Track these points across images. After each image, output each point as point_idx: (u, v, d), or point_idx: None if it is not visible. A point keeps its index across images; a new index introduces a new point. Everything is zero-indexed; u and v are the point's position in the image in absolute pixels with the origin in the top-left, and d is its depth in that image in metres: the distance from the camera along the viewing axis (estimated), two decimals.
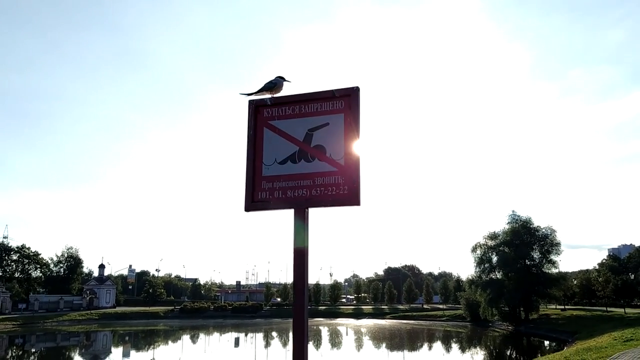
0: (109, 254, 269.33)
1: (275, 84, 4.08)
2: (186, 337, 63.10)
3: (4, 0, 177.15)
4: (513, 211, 67.31)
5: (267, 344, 56.15)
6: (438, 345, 54.62)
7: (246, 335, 67.16)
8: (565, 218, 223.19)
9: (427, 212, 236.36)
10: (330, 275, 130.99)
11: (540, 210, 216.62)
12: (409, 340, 59.33)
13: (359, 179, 3.55)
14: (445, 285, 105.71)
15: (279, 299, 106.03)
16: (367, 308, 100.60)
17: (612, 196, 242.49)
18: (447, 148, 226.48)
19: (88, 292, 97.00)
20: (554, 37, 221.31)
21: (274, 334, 66.20)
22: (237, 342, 58.35)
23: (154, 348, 53.07)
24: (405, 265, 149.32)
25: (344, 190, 3.57)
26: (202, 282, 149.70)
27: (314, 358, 40.79)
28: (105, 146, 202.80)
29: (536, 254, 63.96)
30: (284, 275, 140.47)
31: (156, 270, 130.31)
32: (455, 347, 52.96)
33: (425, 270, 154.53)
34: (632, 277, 75.29)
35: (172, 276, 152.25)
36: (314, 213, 3.71)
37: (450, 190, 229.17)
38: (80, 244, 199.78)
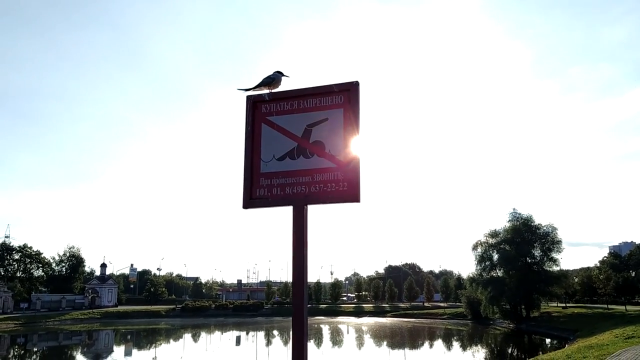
0: (111, 253, 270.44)
1: (273, 79, 4.03)
2: (188, 336, 63.11)
3: (6, 2, 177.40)
4: (514, 209, 67.35)
5: (268, 342, 56.15)
6: (439, 343, 54.59)
7: (247, 333, 67.15)
8: (566, 216, 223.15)
9: (428, 209, 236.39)
10: (331, 273, 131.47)
11: (541, 208, 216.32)
12: (410, 339, 59.29)
13: (358, 175, 3.50)
14: (446, 283, 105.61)
15: (278, 298, 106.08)
16: (367, 306, 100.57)
17: (613, 194, 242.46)
18: (448, 145, 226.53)
19: (90, 291, 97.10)
20: (554, 34, 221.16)
21: (275, 332, 66.21)
22: (238, 341, 58.32)
23: (155, 347, 53.08)
24: (406, 263, 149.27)
25: (343, 187, 3.52)
26: (203, 281, 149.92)
27: (314, 356, 40.77)
28: (105, 145, 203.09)
29: (537, 252, 63.88)
30: (285, 273, 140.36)
31: (157, 269, 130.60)
32: (456, 345, 52.91)
33: (426, 268, 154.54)
34: (633, 274, 75.16)
35: (174, 275, 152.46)
36: (313, 210, 3.68)
37: (450, 187, 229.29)
38: (82, 243, 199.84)
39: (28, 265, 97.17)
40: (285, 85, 4.04)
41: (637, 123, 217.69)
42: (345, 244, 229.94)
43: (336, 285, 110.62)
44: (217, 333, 68.38)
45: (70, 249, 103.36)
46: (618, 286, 67.39)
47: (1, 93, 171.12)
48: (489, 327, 66.62)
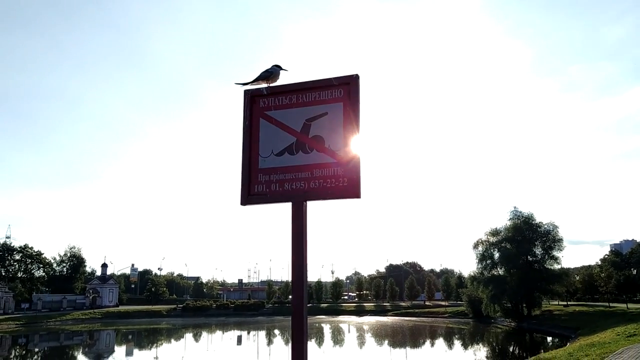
0: (112, 253, 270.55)
1: (271, 73, 3.94)
2: (189, 336, 63.06)
3: (4, 1, 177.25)
4: (515, 207, 67.12)
5: (270, 342, 56.10)
6: (441, 342, 54.54)
7: (248, 333, 67.11)
8: (567, 214, 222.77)
9: (428, 208, 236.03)
10: (332, 272, 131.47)
11: (541, 206, 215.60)
12: (412, 338, 59.22)
13: (359, 171, 3.42)
14: (447, 282, 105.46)
15: (279, 297, 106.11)
16: (369, 305, 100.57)
17: (614, 192, 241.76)
18: (448, 144, 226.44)
19: (91, 291, 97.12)
20: (554, 33, 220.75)
21: (276, 331, 66.16)
22: (239, 340, 58.28)
23: (156, 347, 53.04)
24: (407, 262, 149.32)
25: (343, 183, 3.45)
26: (204, 281, 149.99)
27: (315, 356, 40.70)
28: (106, 145, 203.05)
29: (538, 250, 63.75)
30: (286, 273, 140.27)
31: (158, 269, 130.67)
32: (457, 343, 52.84)
33: (427, 267, 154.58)
34: (635, 272, 75.21)
35: (175, 275, 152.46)
36: (313, 207, 3.60)
37: (451, 186, 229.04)
38: (83, 243, 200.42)
39: (29, 266, 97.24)
40: (283, 80, 3.96)
41: (638, 121, 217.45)
42: (346, 242, 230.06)
43: (337, 284, 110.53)
44: (218, 333, 68.35)
45: (71, 249, 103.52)
46: (619, 284, 67.35)
47: (1, 93, 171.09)
48: (490, 325, 66.54)
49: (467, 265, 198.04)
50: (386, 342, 53.86)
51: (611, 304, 64.61)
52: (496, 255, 66.28)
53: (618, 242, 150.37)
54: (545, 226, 63.66)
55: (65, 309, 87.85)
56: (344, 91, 3.62)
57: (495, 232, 67.21)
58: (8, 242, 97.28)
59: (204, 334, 66.09)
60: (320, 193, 3.49)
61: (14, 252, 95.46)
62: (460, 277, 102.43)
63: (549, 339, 51.16)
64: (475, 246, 68.26)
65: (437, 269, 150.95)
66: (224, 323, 78.94)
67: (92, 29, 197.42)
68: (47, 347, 55.27)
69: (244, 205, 3.67)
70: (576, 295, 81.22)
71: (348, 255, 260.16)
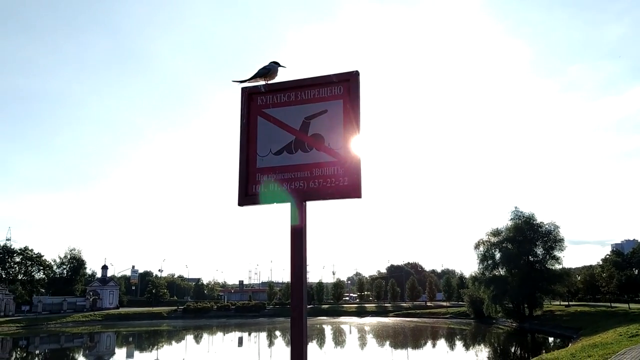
0: (112, 255, 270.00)
1: (269, 70, 3.84)
2: (189, 337, 62.98)
3: (6, 5, 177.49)
4: (516, 207, 67.00)
5: (271, 343, 56.03)
6: (442, 342, 54.44)
7: (249, 334, 67.07)
8: (568, 214, 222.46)
9: (429, 208, 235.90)
10: (333, 273, 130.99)
11: (542, 206, 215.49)
12: (413, 338, 59.14)
13: (359, 170, 3.32)
14: (448, 283, 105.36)
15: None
16: (370, 306, 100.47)
17: (615, 191, 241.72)
18: (449, 144, 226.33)
19: (91, 293, 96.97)
20: (553, 32, 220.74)
21: (277, 332, 66.05)
22: (240, 342, 58.22)
23: (157, 349, 52.95)
24: (408, 263, 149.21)
25: (343, 182, 3.35)
26: (205, 282, 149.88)
27: (316, 358, 40.62)
28: (107, 148, 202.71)
29: (539, 250, 63.66)
30: (287, 274, 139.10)
31: (159, 270, 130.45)
32: (459, 344, 52.72)
33: (428, 267, 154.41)
34: (636, 272, 75.00)
35: (175, 276, 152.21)
36: (313, 208, 3.50)
37: (452, 186, 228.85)
38: (83, 245, 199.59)
39: (29, 268, 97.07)
40: (281, 77, 3.86)
41: (638, 120, 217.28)
42: (347, 243, 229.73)
43: (338, 285, 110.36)
44: (219, 334, 68.27)
45: (71, 251, 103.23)
46: (621, 284, 67.23)
47: (4, 96, 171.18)
48: (491, 326, 66.41)
49: (468, 265, 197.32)
50: (387, 343, 53.78)
51: (613, 304, 64.45)
52: (497, 255, 66.16)
53: (619, 242, 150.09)
54: (547, 226, 63.60)
55: (65, 311, 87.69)
56: (343, 88, 3.52)
57: (496, 233, 67.11)
58: (8, 245, 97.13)
59: (205, 335, 66.00)
60: (320, 193, 3.39)
61: (15, 255, 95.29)
62: (461, 277, 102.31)
63: (551, 339, 51.05)
64: (477, 246, 68.21)
65: (439, 270, 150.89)
66: (225, 325, 78.85)
67: (94, 33, 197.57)
68: (47, 350, 55.21)
69: (242, 205, 3.57)
70: (578, 295, 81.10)
71: (349, 255, 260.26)
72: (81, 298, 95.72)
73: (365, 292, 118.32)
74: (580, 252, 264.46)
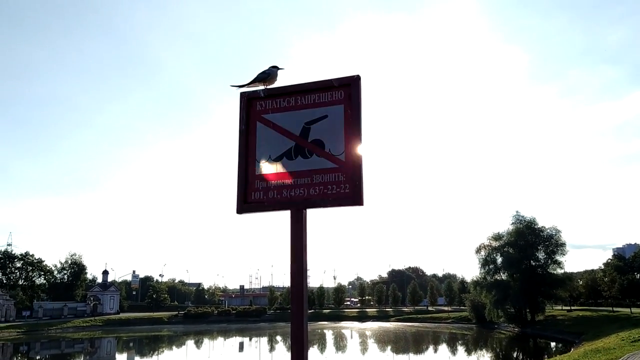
0: (113, 259, 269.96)
1: (268, 74, 3.76)
2: (190, 343, 62.83)
3: (10, 11, 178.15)
4: (517, 212, 66.73)
5: (272, 348, 55.88)
6: (444, 348, 54.24)
7: (250, 339, 66.88)
8: (569, 218, 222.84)
9: (430, 213, 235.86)
10: (334, 278, 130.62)
11: (543, 211, 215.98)
12: (415, 343, 58.93)
13: (361, 177, 3.24)
14: (449, 287, 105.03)
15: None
16: (371, 311, 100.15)
17: (616, 195, 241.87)
18: (450, 149, 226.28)
19: (92, 298, 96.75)
20: (553, 37, 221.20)
21: (278, 337, 65.88)
22: (241, 347, 58.04)
23: (158, 354, 52.85)
24: (409, 267, 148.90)
25: (345, 189, 3.27)
26: (205, 287, 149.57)
27: None
28: (108, 153, 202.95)
29: (541, 255, 63.40)
30: (288, 278, 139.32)
31: (160, 275, 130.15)
32: (461, 349, 52.56)
33: (429, 271, 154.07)
34: (638, 276, 74.66)
35: (176, 281, 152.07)
36: (313, 211, 3.42)
37: (453, 191, 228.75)
38: (84, 250, 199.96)
39: (30, 273, 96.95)
40: (282, 82, 3.79)
41: (638, 125, 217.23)
42: (348, 248, 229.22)
43: (339, 290, 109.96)
44: (220, 339, 68.10)
45: (72, 256, 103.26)
46: (623, 289, 66.95)
47: (6, 101, 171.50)
48: (493, 331, 66.16)
49: (469, 270, 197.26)
50: (389, 348, 53.59)
51: (615, 309, 64.16)
52: (499, 260, 65.93)
53: (620, 246, 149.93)
54: (548, 230, 63.38)
55: (66, 316, 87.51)
56: (344, 93, 3.45)
57: (497, 237, 66.91)
58: (9, 250, 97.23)
59: (206, 340, 65.83)
60: (321, 200, 3.31)
61: (15, 260, 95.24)
62: (463, 282, 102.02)
63: (553, 344, 50.86)
64: (478, 251, 67.96)
65: (440, 274, 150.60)
66: (226, 330, 78.62)
67: (98, 39, 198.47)
68: (48, 355, 55.16)
69: (240, 213, 3.49)
70: (579, 300, 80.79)
71: (350, 260, 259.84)
72: (82, 303, 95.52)
73: (367, 297, 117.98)
74: (581, 257, 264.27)
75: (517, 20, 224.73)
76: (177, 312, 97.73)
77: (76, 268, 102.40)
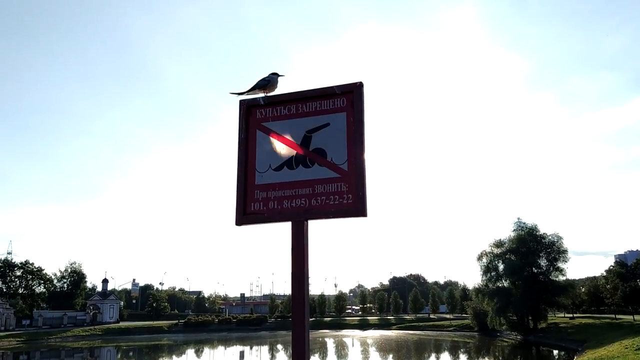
0: (113, 268, 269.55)
1: (268, 81, 3.65)
2: (190, 352, 62.52)
3: (12, 19, 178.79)
4: (518, 218, 66.62)
5: (273, 357, 55.61)
6: (446, 356, 53.98)
7: (251, 348, 66.57)
8: (570, 224, 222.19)
9: (432, 219, 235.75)
10: (335, 285, 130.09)
11: (545, 217, 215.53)
12: (417, 352, 58.59)
13: (364, 187, 3.13)
14: (451, 295, 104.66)
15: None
16: (372, 319, 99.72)
17: (617, 202, 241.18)
18: (452, 155, 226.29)
19: (91, 307, 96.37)
20: (552, 45, 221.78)
21: (279, 346, 65.56)
22: (242, 356, 57.75)
23: None
24: (411, 275, 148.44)
25: (348, 200, 3.16)
26: (206, 295, 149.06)
27: None
28: (108, 160, 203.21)
29: (543, 262, 63.16)
30: (289, 286, 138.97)
31: (160, 283, 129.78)
32: (463, 358, 52.30)
33: (430, 279, 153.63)
34: None
35: (176, 289, 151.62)
36: (314, 221, 3.30)
37: (454, 197, 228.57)
38: (84, 259, 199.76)
39: (30, 282, 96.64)
40: (282, 90, 3.67)
41: (639, 131, 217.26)
42: (349, 255, 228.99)
43: (340, 298, 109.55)
44: (221, 348, 67.80)
45: (71, 264, 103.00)
46: (625, 296, 66.55)
47: (8, 108, 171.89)
48: (496, 339, 65.79)
49: (471, 277, 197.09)
50: (390, 356, 53.31)
51: (617, 316, 63.86)
52: (501, 267, 65.71)
53: (622, 252, 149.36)
54: (550, 237, 63.18)
55: (65, 325, 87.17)
56: (347, 100, 3.34)
57: (499, 244, 66.70)
58: (9, 258, 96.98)
59: (206, 350, 65.53)
60: (323, 211, 3.20)
61: (15, 268, 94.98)
62: (464, 289, 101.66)
63: (556, 352, 50.63)
64: (480, 258, 67.74)
65: (441, 281, 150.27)
66: (226, 338, 78.27)
67: (99, 46, 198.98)
68: None
69: (240, 225, 3.38)
70: (582, 307, 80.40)
71: (351, 267, 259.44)
72: (81, 312, 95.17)
73: (368, 305, 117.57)
74: (583, 263, 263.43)
75: (517, 28, 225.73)
76: (177, 321, 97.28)
77: (76, 277, 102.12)
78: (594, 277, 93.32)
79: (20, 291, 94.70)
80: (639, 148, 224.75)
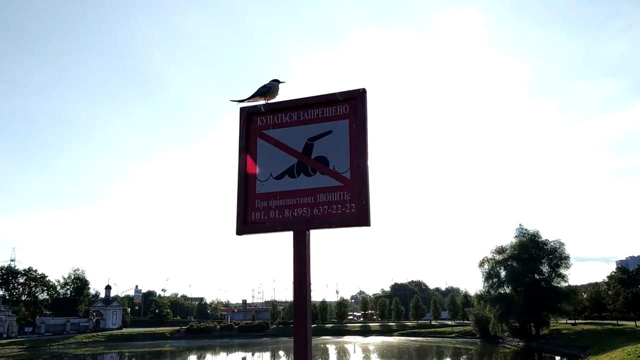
0: (116, 274, 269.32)
1: (269, 88, 3.61)
2: (192, 358, 62.39)
3: (16, 28, 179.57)
4: (520, 224, 66.54)
5: None
6: None
7: (253, 354, 66.35)
8: (572, 230, 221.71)
9: (433, 226, 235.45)
10: (337, 292, 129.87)
11: (546, 224, 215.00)
12: (418, 358, 58.40)
13: (368, 195, 3.08)
14: (453, 301, 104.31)
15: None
16: (374, 325, 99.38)
17: (618, 207, 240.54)
18: (452, 162, 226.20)
19: (94, 313, 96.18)
20: (554, 51, 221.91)
21: (281, 352, 65.38)
22: None
23: None
24: (412, 281, 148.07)
25: (350, 209, 3.11)
26: (208, 302, 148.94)
27: None
28: (111, 167, 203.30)
29: (545, 268, 63.00)
30: (290, 293, 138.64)
31: (162, 290, 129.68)
32: None
33: (432, 285, 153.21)
34: None
35: (179, 296, 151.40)
36: (316, 232, 3.25)
37: (455, 204, 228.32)
38: (87, 265, 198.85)
39: (33, 289, 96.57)
40: (283, 96, 3.63)
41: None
42: (350, 261, 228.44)
43: (342, 304, 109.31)
44: (223, 355, 67.62)
45: (74, 271, 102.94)
46: (627, 302, 66.36)
47: (10, 117, 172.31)
48: (498, 345, 65.51)
49: (473, 283, 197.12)
50: None
51: (620, 322, 63.60)
52: (502, 273, 65.53)
53: (624, 258, 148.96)
54: (552, 243, 63.02)
55: (68, 332, 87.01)
56: (349, 107, 3.30)
57: (501, 250, 66.55)
58: (12, 265, 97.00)
59: (208, 356, 65.38)
60: (325, 221, 3.15)
61: (18, 275, 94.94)
62: (466, 295, 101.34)
63: (558, 358, 50.40)
64: (481, 264, 67.57)
65: (443, 288, 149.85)
66: (228, 345, 78.05)
67: (101, 54, 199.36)
68: None
69: (240, 235, 3.33)
70: (584, 313, 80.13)
71: (352, 274, 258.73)
72: (84, 319, 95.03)
73: (369, 311, 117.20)
74: (584, 269, 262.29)
75: (518, 34, 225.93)
76: (179, 327, 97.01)
77: (79, 283, 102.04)
78: (596, 283, 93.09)
79: (23, 298, 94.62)
80: (639, 154, 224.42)
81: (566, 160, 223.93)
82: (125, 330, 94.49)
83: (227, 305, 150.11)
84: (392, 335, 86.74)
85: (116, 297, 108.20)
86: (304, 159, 3.30)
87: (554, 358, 51.24)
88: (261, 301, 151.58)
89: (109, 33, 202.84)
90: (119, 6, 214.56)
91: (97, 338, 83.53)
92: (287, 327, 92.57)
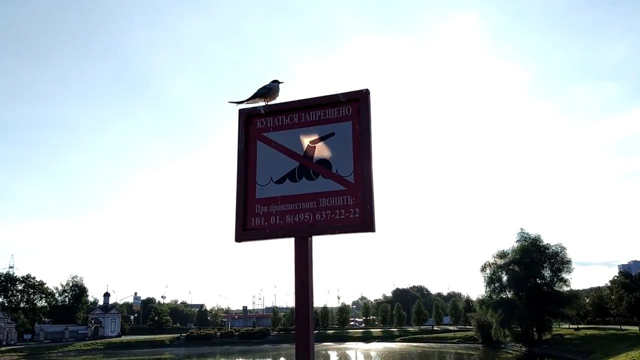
0: (114, 281, 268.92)
1: (269, 89, 3.48)
2: None
3: (14, 34, 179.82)
4: (522, 229, 66.37)
5: None
6: None
7: None
8: (573, 235, 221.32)
9: (434, 231, 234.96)
10: (338, 298, 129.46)
11: (548, 228, 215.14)
12: None
13: (372, 200, 2.95)
14: (455, 306, 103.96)
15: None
16: (376, 331, 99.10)
17: (620, 211, 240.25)
18: (453, 166, 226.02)
19: (93, 321, 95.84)
20: (553, 55, 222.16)
21: (282, 359, 65.11)
22: None
23: None
24: (414, 286, 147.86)
25: (354, 214, 2.98)
26: (208, 308, 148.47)
27: None
28: (110, 174, 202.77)
29: (547, 273, 62.82)
30: (292, 299, 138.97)
31: (162, 297, 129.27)
32: None
33: (434, 290, 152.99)
34: None
35: (178, 302, 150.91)
36: (318, 238, 3.12)
37: (456, 208, 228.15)
38: (85, 273, 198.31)
39: (31, 296, 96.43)
40: (283, 100, 3.50)
41: None
42: (351, 266, 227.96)
43: (343, 310, 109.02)
44: None
45: (73, 278, 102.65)
46: (631, 306, 66.07)
47: (9, 124, 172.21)
48: (500, 350, 65.26)
49: (475, 288, 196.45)
50: None
51: (623, 327, 63.31)
52: (504, 278, 65.36)
53: (626, 262, 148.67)
54: (554, 248, 62.89)
55: (67, 339, 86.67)
56: (352, 109, 3.17)
57: (502, 255, 66.40)
58: (11, 272, 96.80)
59: None
60: (328, 226, 3.02)
61: (17, 282, 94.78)
62: (468, 300, 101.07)
63: None
64: (483, 269, 67.41)
65: (445, 293, 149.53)
66: (229, 352, 77.77)
67: (99, 59, 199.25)
68: None
69: (239, 241, 3.19)
70: (587, 318, 79.85)
71: (354, 279, 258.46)
72: (83, 326, 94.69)
73: (371, 317, 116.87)
74: (586, 274, 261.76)
75: (517, 38, 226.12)
76: (179, 335, 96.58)
77: (77, 290, 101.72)
78: (598, 288, 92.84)
79: (21, 305, 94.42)
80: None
81: (567, 164, 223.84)
82: (124, 338, 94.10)
83: (227, 311, 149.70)
84: (394, 341, 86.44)
85: (115, 305, 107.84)
86: (305, 162, 3.17)
87: None
88: (262, 307, 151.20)
89: (109, 38, 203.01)
90: (118, 12, 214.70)
91: (96, 346, 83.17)
92: (288, 334, 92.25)
